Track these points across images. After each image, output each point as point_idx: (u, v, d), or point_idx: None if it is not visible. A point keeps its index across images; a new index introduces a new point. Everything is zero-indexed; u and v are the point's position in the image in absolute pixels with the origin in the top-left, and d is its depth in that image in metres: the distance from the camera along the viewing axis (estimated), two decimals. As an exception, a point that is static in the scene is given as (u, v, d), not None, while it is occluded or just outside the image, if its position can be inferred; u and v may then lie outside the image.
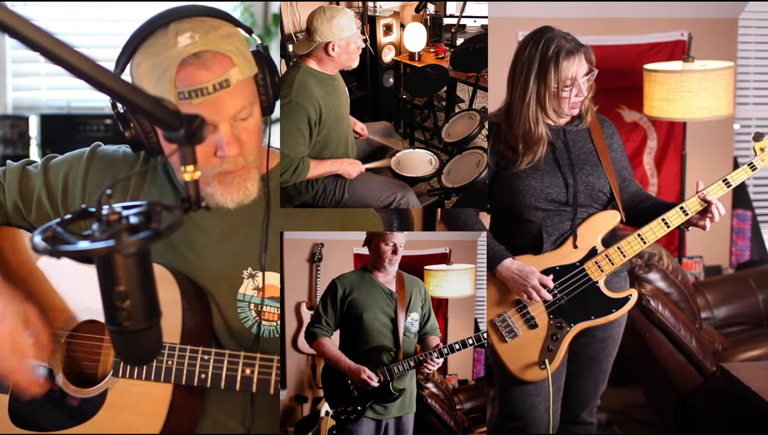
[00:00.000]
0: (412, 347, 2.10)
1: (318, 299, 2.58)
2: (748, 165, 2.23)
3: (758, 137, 2.27)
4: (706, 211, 2.18)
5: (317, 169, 2.05)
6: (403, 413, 2.10)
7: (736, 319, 3.58)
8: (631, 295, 2.26)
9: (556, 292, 2.23)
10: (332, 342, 2.07)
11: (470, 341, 2.01)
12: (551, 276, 2.21)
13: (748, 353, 3.16)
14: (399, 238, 2.06)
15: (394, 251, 2.06)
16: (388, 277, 2.10)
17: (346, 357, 2.04)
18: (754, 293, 3.64)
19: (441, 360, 2.04)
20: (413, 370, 2.12)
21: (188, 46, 1.40)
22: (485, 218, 2.42)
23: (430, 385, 2.49)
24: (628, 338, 2.43)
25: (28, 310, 1.47)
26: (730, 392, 2.70)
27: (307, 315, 2.60)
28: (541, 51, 2.16)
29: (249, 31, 1.53)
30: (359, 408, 2.04)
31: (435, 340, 2.12)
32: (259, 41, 1.55)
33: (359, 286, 2.08)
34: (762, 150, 2.25)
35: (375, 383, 2.01)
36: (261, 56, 1.52)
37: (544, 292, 2.18)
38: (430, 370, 2.04)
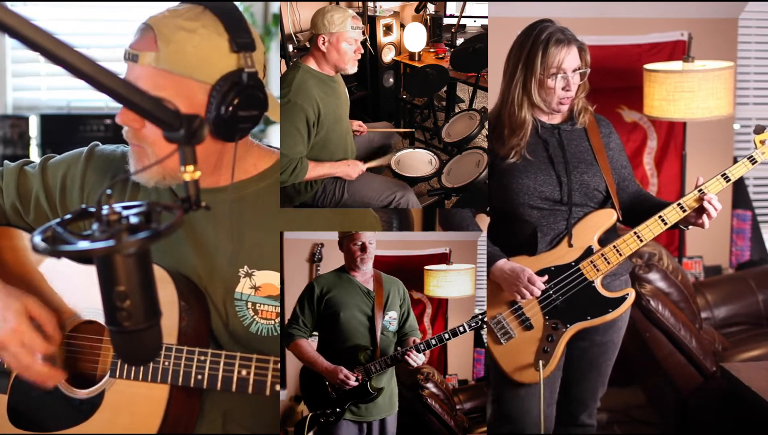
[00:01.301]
0: (390, 347, 2.09)
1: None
2: (748, 158, 2.18)
3: (759, 130, 2.21)
4: (703, 208, 2.15)
5: (316, 170, 2.05)
6: (385, 414, 2.09)
7: (736, 319, 3.58)
8: (627, 294, 2.24)
9: (551, 292, 2.21)
10: (309, 343, 2.06)
11: (446, 336, 2.01)
12: (546, 277, 2.20)
13: (748, 353, 3.16)
14: (367, 236, 2.06)
15: (363, 249, 2.05)
16: (365, 276, 2.09)
17: (323, 358, 2.03)
18: (754, 293, 3.64)
19: (422, 356, 2.03)
20: (392, 370, 2.10)
21: (155, 16, 1.45)
22: (485, 220, 2.41)
23: (430, 385, 2.49)
24: (628, 338, 2.42)
25: (28, 303, 1.48)
26: (730, 392, 2.70)
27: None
28: (533, 39, 2.17)
29: (251, 48, 1.46)
30: (338, 410, 2.03)
31: (415, 340, 2.11)
32: (250, 70, 1.45)
33: (336, 285, 2.07)
34: (762, 143, 2.20)
35: (353, 383, 2.00)
36: (232, 77, 1.44)
37: (534, 288, 2.16)
38: (410, 365, 2.03)
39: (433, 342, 2.01)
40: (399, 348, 2.10)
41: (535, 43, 2.16)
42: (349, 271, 2.10)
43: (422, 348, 2.01)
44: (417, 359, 2.02)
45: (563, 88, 2.17)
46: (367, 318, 2.06)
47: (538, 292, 2.16)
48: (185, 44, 1.42)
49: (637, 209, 2.28)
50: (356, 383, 2.00)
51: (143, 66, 1.42)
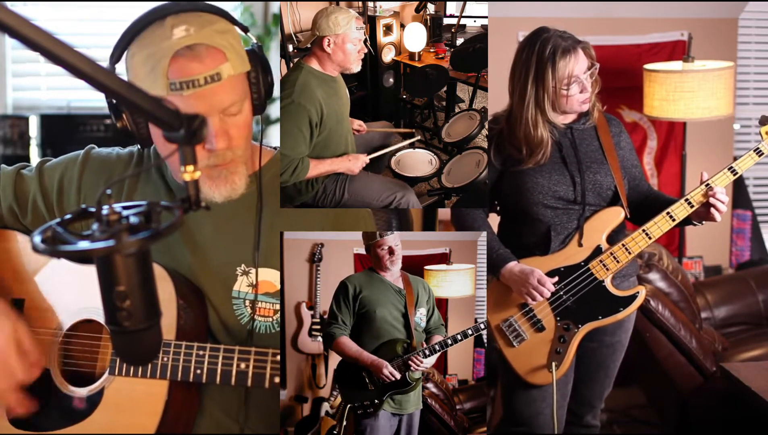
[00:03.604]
0: (422, 342, 2.11)
1: (318, 299, 2.58)
2: (754, 150, 2.15)
3: (765, 121, 2.19)
4: (710, 204, 2.13)
5: (317, 168, 2.06)
6: (415, 408, 2.12)
7: (736, 319, 3.58)
8: (638, 292, 2.23)
9: (561, 293, 2.21)
10: (350, 340, 2.09)
11: (470, 332, 2.02)
12: (556, 278, 2.20)
13: (748, 353, 3.16)
14: (391, 239, 2.08)
15: (391, 252, 2.08)
16: (394, 276, 2.12)
17: (366, 352, 2.06)
18: (754, 293, 3.64)
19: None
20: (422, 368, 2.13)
21: (183, 38, 1.41)
22: (496, 220, 2.41)
23: (430, 385, 2.49)
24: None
25: (18, 328, 1.46)
26: (730, 392, 2.70)
27: (307, 315, 2.61)
28: (537, 53, 2.16)
29: (245, 29, 1.54)
30: (377, 401, 2.06)
31: (440, 337, 2.14)
32: (254, 40, 1.56)
33: (369, 284, 2.10)
34: None
35: (397, 377, 2.03)
36: (255, 55, 1.52)
37: (544, 289, 2.16)
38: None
39: (459, 337, 2.03)
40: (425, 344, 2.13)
41: (542, 58, 2.15)
42: (378, 271, 2.12)
43: (449, 343, 2.04)
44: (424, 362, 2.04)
45: (581, 92, 2.18)
46: (401, 315, 2.08)
47: (548, 294, 2.16)
48: (235, 43, 1.47)
49: (648, 208, 2.26)
50: (399, 375, 2.04)
51: (226, 79, 1.43)
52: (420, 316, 2.12)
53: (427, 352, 2.04)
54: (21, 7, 3.83)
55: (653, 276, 3.07)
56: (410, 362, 2.03)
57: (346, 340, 2.08)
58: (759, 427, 2.66)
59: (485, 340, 2.34)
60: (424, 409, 2.37)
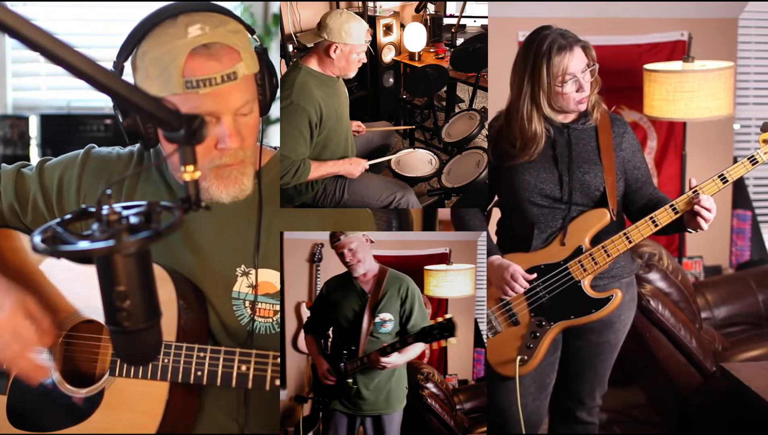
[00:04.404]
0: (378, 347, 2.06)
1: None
2: (748, 158, 2.11)
3: (766, 127, 2.14)
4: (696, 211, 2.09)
5: (319, 170, 2.06)
6: (379, 412, 2.09)
7: (736, 319, 3.58)
8: (612, 295, 2.22)
9: (539, 290, 2.23)
10: (313, 339, 2.16)
11: (409, 341, 1.91)
12: (535, 274, 2.21)
13: (748, 353, 3.16)
14: (347, 242, 2.03)
15: (342, 256, 2.05)
16: (366, 277, 2.09)
17: (318, 354, 2.13)
18: (754, 293, 3.64)
19: (392, 358, 1.94)
20: (397, 370, 2.07)
21: (198, 36, 1.41)
22: (498, 216, 2.44)
23: (430, 385, 2.49)
24: (628, 338, 2.42)
25: (26, 298, 1.47)
26: (730, 392, 2.70)
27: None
28: (535, 49, 2.17)
29: (252, 31, 1.54)
30: (326, 400, 2.11)
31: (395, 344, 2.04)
32: (258, 42, 1.56)
33: (340, 286, 2.11)
34: (766, 142, 2.13)
35: (330, 381, 2.07)
36: (260, 56, 1.53)
37: (516, 285, 2.18)
38: (381, 367, 1.96)
39: (398, 345, 1.93)
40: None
41: (538, 54, 2.16)
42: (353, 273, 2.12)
43: (388, 351, 1.95)
44: (385, 361, 1.95)
45: (577, 91, 2.18)
46: (354, 317, 2.06)
47: (519, 289, 2.20)
48: (247, 43, 1.48)
49: (650, 211, 2.20)
50: (334, 379, 2.08)
51: (241, 79, 1.44)
52: (381, 321, 2.06)
53: (388, 349, 1.93)
54: (21, 7, 3.83)
55: (653, 276, 3.07)
56: (378, 361, 1.95)
57: (309, 339, 2.17)
58: (759, 427, 2.66)
59: (485, 341, 2.35)
60: (424, 410, 2.37)
